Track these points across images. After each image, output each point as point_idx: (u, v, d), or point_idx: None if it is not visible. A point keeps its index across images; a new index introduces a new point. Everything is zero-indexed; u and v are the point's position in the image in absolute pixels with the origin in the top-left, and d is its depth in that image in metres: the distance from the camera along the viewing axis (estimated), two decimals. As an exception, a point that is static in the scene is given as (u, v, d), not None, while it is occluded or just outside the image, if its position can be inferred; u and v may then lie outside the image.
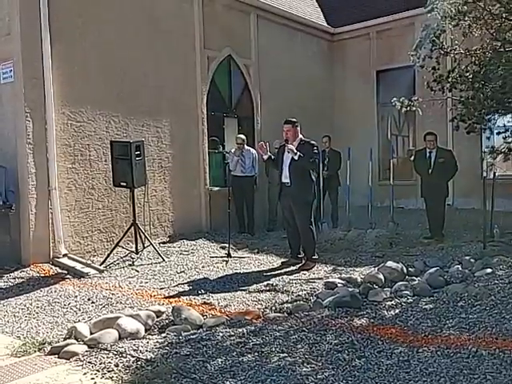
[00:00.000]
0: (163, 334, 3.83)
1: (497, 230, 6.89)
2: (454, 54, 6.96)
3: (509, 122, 7.26)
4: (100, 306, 4.72)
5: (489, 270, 4.95)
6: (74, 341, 3.72)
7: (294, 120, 6.12)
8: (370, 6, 11.20)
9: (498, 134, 6.85)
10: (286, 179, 6.08)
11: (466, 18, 6.61)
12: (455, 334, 3.48)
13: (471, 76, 6.64)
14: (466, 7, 6.47)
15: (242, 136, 8.75)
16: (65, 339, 3.82)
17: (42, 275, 5.88)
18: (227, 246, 6.92)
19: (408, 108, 7.04)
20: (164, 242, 7.55)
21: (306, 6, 11.59)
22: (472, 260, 5.53)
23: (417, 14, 9.25)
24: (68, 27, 6.56)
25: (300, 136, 6.14)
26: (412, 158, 8.05)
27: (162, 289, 5.30)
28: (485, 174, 7.55)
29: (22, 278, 5.76)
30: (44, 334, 4.06)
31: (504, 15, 6.36)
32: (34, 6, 6.16)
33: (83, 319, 4.37)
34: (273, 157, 6.29)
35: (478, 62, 6.68)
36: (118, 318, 3.94)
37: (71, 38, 6.61)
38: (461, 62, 6.96)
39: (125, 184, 6.53)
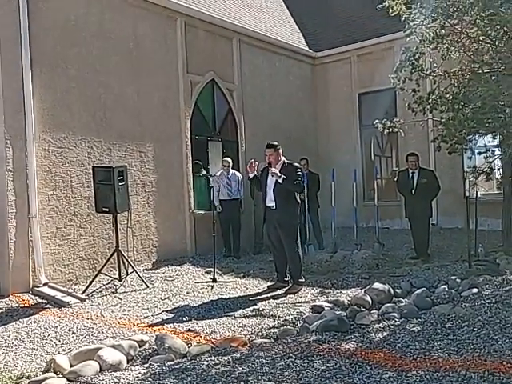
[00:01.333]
0: (146, 365, 3.72)
1: (481, 249, 6.92)
2: (434, 76, 7.09)
3: (489, 142, 7.38)
4: (81, 337, 4.58)
5: (475, 290, 4.93)
6: (53, 374, 3.58)
7: (276, 143, 6.13)
8: (350, 31, 11.44)
9: (479, 153, 6.95)
10: (271, 202, 6.05)
11: (444, 41, 6.78)
12: (444, 356, 3.43)
13: (451, 97, 6.76)
14: (443, 31, 6.63)
15: (229, 159, 8.75)
16: (43, 373, 3.68)
17: (22, 305, 5.71)
18: (212, 270, 6.82)
19: (390, 129, 7.13)
20: (148, 268, 7.43)
21: (288, 31, 11.78)
22: (458, 280, 5.52)
23: (396, 37, 9.44)
24: (49, 54, 6.56)
25: (282, 159, 6.14)
26: (395, 179, 8.10)
27: (145, 317, 5.17)
28: (467, 194, 7.62)
29: (1, 308, 5.59)
30: (22, 367, 3.92)
31: (481, 38, 6.52)
32: (14, 34, 6.15)
33: (63, 351, 4.23)
34: (258, 176, 6.27)
35: (457, 84, 6.81)
36: (99, 349, 3.82)
37: (52, 65, 6.59)
38: (440, 83, 7.08)
39: (107, 210, 6.43)
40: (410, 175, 7.56)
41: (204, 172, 8.12)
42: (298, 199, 6.17)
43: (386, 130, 7.13)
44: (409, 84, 6.99)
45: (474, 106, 6.14)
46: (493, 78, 6.13)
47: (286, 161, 6.14)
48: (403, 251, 8.11)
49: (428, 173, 7.68)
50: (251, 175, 6.14)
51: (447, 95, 6.84)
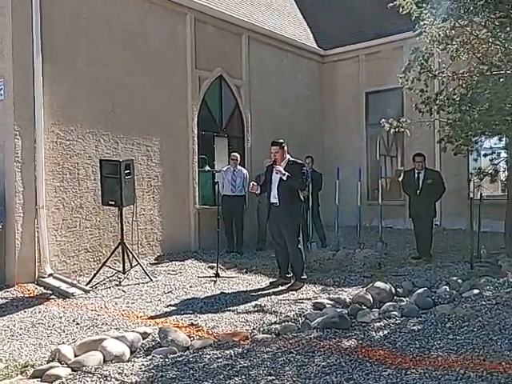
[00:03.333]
0: (149, 357, 3.76)
1: (484, 251, 6.92)
2: (442, 77, 7.08)
3: (495, 144, 7.38)
4: (85, 328, 4.64)
5: (476, 291, 4.96)
6: (58, 364, 3.64)
7: (281, 141, 6.15)
8: (359, 29, 11.41)
9: (485, 155, 6.93)
10: (274, 199, 6.08)
11: (454, 42, 6.76)
12: (443, 355, 3.46)
13: (458, 99, 6.75)
14: (453, 32, 6.62)
15: (237, 154, 8.81)
16: (48, 362, 3.73)
17: (27, 296, 5.79)
18: (216, 265, 6.87)
19: (396, 129, 7.12)
20: (152, 262, 7.48)
21: (297, 29, 11.77)
22: (459, 281, 5.55)
23: (405, 37, 9.44)
24: (59, 47, 6.61)
25: (288, 156, 6.17)
26: (400, 179, 8.11)
27: (148, 310, 5.23)
28: (472, 195, 7.62)
29: (6, 298, 5.66)
30: (27, 356, 3.98)
31: (490, 40, 6.51)
32: (26, 27, 6.21)
33: (67, 341, 4.29)
34: (262, 183, 6.36)
35: (465, 85, 6.79)
36: (102, 340, 3.87)
37: (62, 58, 6.64)
38: (448, 84, 7.08)
39: (113, 203, 6.49)
40: (416, 175, 7.56)
41: (208, 167, 8.16)
42: (302, 197, 6.20)
43: (393, 130, 7.14)
44: (417, 84, 6.99)
45: (481, 108, 6.13)
46: (501, 80, 6.12)
47: (291, 158, 6.17)
48: (406, 251, 8.13)
49: (434, 173, 7.67)
50: (258, 191, 6.24)
51: (455, 96, 6.83)
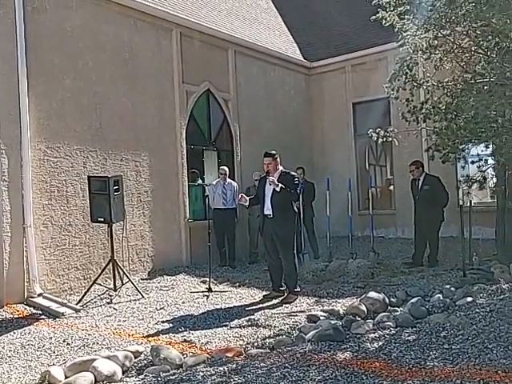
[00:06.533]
0: (141, 376, 3.70)
1: (476, 258, 6.94)
2: (427, 86, 7.15)
3: (482, 151, 7.44)
4: (76, 348, 4.56)
5: (469, 299, 4.95)
6: (48, 386, 3.57)
7: (274, 152, 6.15)
8: (344, 41, 11.55)
9: (473, 162, 6.99)
10: (268, 211, 6.05)
11: (437, 52, 6.84)
12: (439, 365, 3.44)
13: (444, 107, 6.81)
14: (436, 41, 6.70)
15: (225, 168, 8.82)
16: (38, 384, 3.66)
17: (16, 316, 5.68)
18: (208, 280, 6.81)
19: (384, 139, 7.17)
20: (143, 278, 7.40)
21: (283, 42, 11.88)
22: (453, 289, 5.54)
23: (389, 48, 9.50)
24: (45, 64, 6.58)
25: (280, 168, 6.17)
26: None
27: (140, 327, 5.15)
28: (461, 203, 7.66)
29: (-5, 319, 5.55)
30: (16, 379, 3.88)
31: (473, 48, 6.60)
32: (10, 44, 6.18)
33: (58, 362, 4.20)
34: (252, 196, 6.36)
35: (450, 94, 6.86)
36: (93, 360, 3.80)
37: (48, 75, 6.62)
38: (433, 93, 7.15)
39: (102, 219, 6.43)
40: (416, 182, 7.80)
41: (200, 181, 8.14)
42: (295, 208, 6.19)
43: (380, 140, 7.18)
44: (402, 94, 7.05)
45: (467, 116, 6.18)
46: (485, 87, 6.19)
47: (283, 170, 6.17)
48: (398, 260, 8.15)
49: (431, 179, 7.76)
50: (247, 204, 6.20)
51: (440, 105, 6.90)
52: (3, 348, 4.66)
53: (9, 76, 6.14)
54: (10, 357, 4.44)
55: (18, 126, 6.17)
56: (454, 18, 6.22)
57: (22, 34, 6.24)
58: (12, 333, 5.13)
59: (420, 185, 7.69)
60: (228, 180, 8.70)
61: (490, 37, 6.16)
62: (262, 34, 11.20)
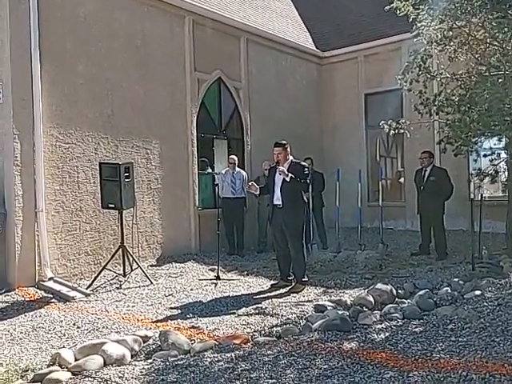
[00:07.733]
0: (150, 360, 3.75)
1: (485, 252, 6.90)
2: (441, 78, 7.08)
3: (495, 144, 7.36)
4: (85, 331, 4.63)
5: (478, 292, 4.94)
6: (58, 368, 3.62)
7: (284, 142, 6.14)
8: (357, 31, 11.41)
9: (485, 156, 6.92)
10: (277, 201, 6.06)
11: (452, 43, 6.76)
12: (445, 357, 3.45)
13: (457, 99, 6.74)
14: (451, 33, 6.61)
15: (235, 157, 8.82)
16: (48, 366, 3.71)
17: (27, 299, 5.77)
18: (216, 268, 6.86)
19: (396, 130, 7.12)
20: (152, 265, 7.47)
21: (295, 31, 11.78)
22: (461, 282, 5.53)
23: (403, 38, 9.42)
24: (58, 50, 6.60)
25: (290, 157, 6.16)
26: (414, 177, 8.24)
27: (149, 313, 5.21)
28: (472, 196, 7.61)
29: (7, 302, 5.65)
30: (27, 360, 3.95)
31: (488, 40, 6.50)
32: (24, 30, 6.20)
33: (68, 345, 4.28)
34: (263, 185, 6.39)
35: (463, 86, 6.79)
36: (103, 343, 3.85)
37: (61, 61, 6.64)
38: (447, 85, 7.07)
39: (113, 206, 6.48)
40: (423, 172, 7.83)
41: (209, 170, 8.16)
42: (305, 198, 6.19)
43: (392, 131, 7.14)
44: (415, 85, 6.98)
45: (480, 109, 6.12)
46: (499, 80, 6.11)
47: (293, 159, 6.16)
48: (407, 252, 8.14)
49: (439, 171, 7.78)
50: (257, 193, 6.21)
51: (453, 97, 6.82)
52: (15, 330, 4.75)
53: (22, 62, 6.17)
54: (21, 339, 4.52)
55: (30, 111, 6.22)
56: (469, 8, 6.13)
57: (35, 19, 6.26)
58: (23, 315, 5.23)
59: (426, 175, 7.75)
60: (237, 169, 8.71)
61: (505, 29, 6.05)
62: (275, 23, 11.12)
